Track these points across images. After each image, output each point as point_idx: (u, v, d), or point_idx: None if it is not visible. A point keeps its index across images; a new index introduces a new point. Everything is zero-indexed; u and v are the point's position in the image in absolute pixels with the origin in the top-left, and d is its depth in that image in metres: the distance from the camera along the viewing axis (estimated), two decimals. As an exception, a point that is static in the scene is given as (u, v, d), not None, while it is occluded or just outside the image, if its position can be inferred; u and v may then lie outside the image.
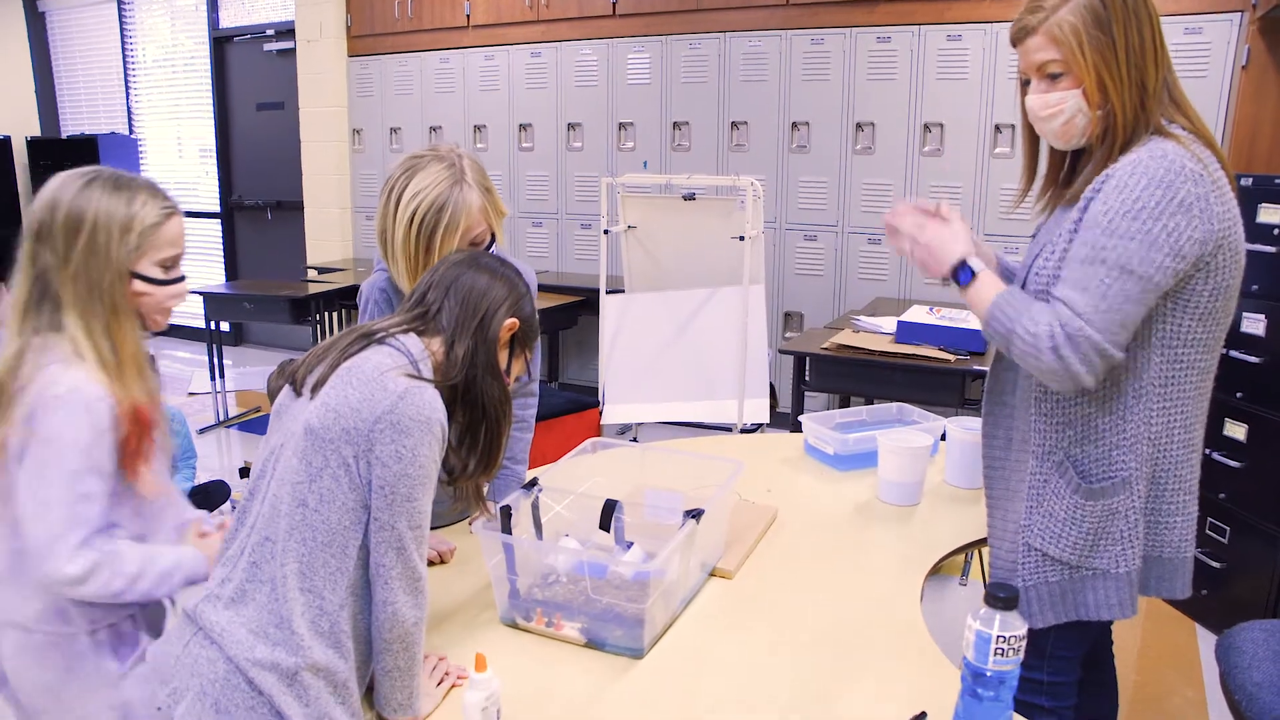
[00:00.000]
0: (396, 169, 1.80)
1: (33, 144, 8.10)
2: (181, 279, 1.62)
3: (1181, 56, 4.23)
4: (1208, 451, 3.11)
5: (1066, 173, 1.68)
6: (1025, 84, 1.60)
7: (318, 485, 1.26)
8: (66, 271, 1.50)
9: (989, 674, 1.20)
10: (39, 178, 8.01)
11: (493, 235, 1.85)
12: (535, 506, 1.73)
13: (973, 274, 1.58)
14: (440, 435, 1.30)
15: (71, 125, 8.50)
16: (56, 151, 8.05)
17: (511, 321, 1.45)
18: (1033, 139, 1.69)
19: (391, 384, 1.28)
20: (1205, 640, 3.15)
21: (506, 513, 1.61)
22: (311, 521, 1.26)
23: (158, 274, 1.57)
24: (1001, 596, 1.19)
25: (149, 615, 1.66)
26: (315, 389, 1.33)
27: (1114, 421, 1.53)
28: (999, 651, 1.19)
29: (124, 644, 1.61)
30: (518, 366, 1.51)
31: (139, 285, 1.55)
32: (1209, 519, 3.20)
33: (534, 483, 1.74)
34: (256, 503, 1.35)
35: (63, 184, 1.53)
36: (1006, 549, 1.67)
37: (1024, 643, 1.20)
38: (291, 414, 1.36)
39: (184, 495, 1.76)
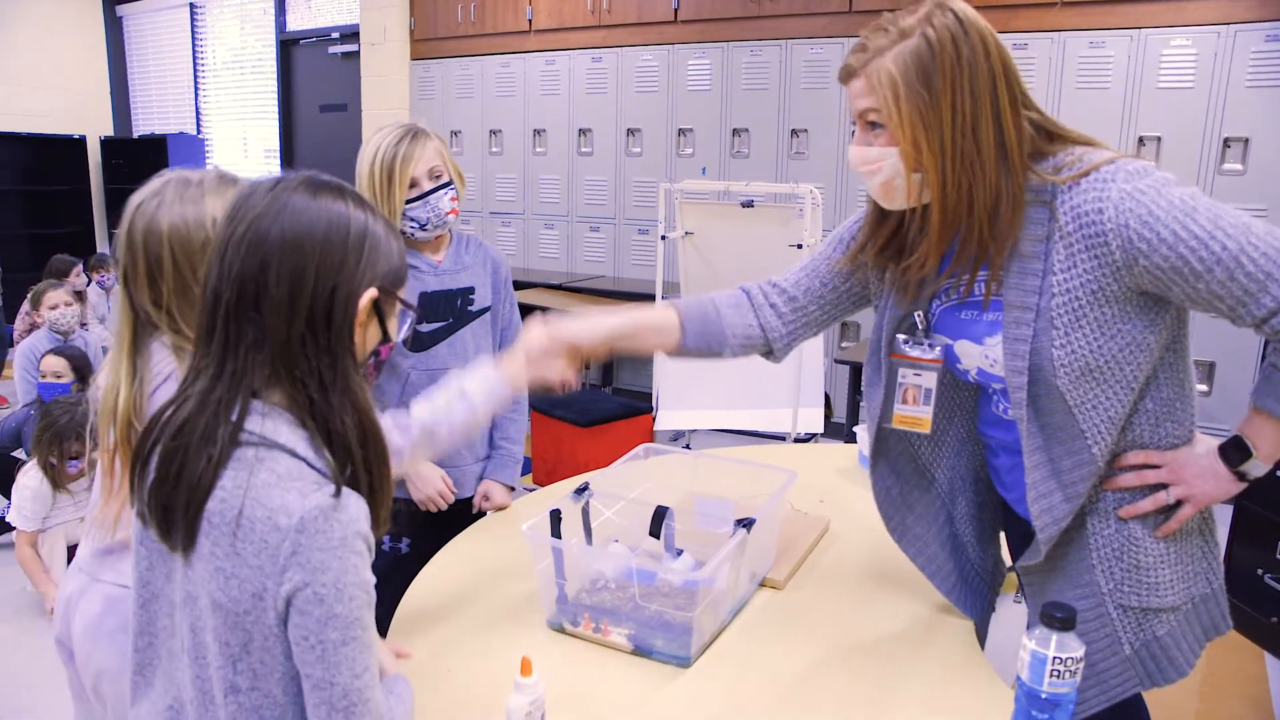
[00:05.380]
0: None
1: (106, 143, 8.33)
2: None
3: (1262, 65, 4.11)
4: (1276, 472, 3.00)
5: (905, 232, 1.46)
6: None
7: (245, 664, 1.03)
8: None
9: (1044, 696, 1.16)
10: (111, 176, 8.29)
11: (450, 181, 2.08)
12: (585, 511, 1.73)
13: (1247, 444, 1.34)
14: (365, 547, 1.03)
15: (143, 125, 8.74)
16: (128, 151, 8.28)
17: (369, 295, 1.09)
18: None
19: (283, 516, 0.99)
20: (1275, 669, 3.05)
21: (556, 516, 1.60)
22: (252, 705, 1.04)
23: None
24: (1059, 617, 1.15)
25: None
26: (186, 543, 1.04)
27: (1168, 440, 1.40)
28: (1055, 673, 1.15)
29: None
30: (392, 327, 1.17)
31: None
32: (1279, 543, 3.09)
33: (585, 487, 1.74)
34: (164, 666, 1.12)
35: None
36: (1086, 623, 1.43)
37: (1081, 664, 1.16)
38: (163, 554, 1.10)
39: None
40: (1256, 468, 1.35)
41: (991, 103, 1.30)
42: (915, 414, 1.53)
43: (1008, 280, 1.37)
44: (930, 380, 1.51)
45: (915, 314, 1.50)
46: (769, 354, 1.67)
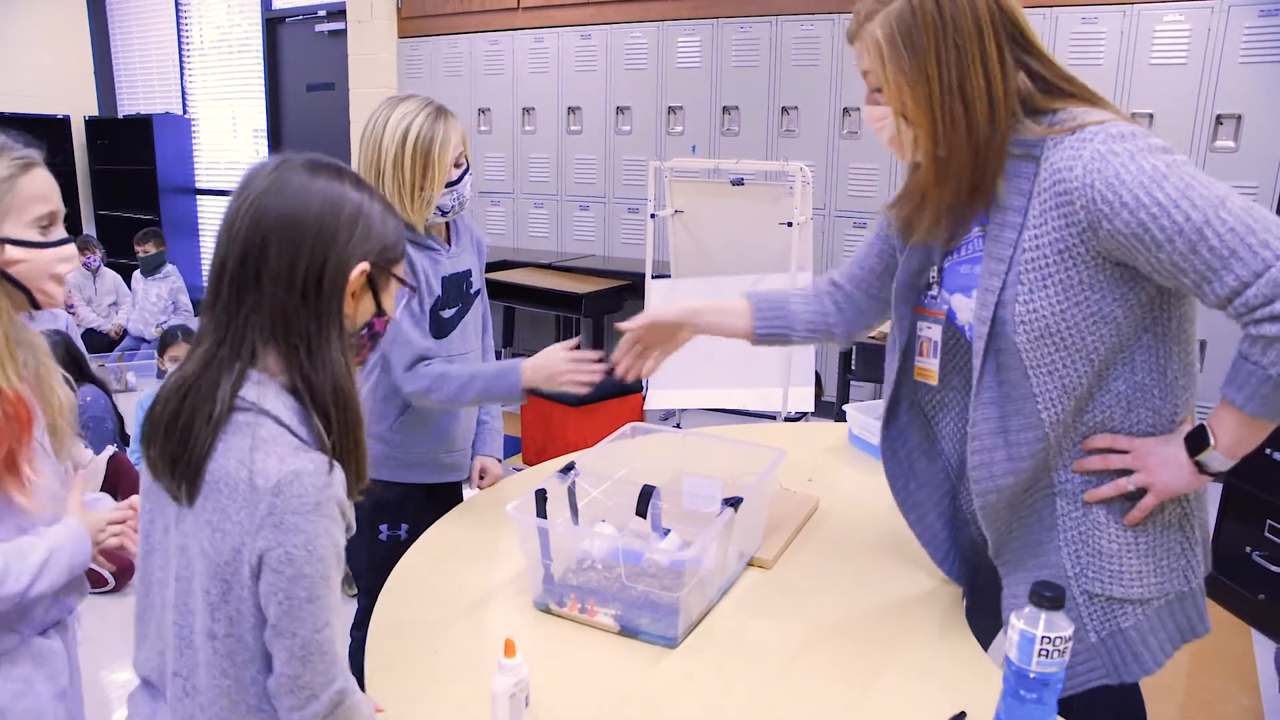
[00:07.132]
0: (376, 109, 1.93)
1: (90, 123, 8.24)
2: (66, 241, 1.39)
3: (1255, 41, 4.09)
4: (1267, 451, 3.01)
5: None
6: None
7: (223, 611, 1.11)
8: None
9: (1032, 675, 1.16)
10: (96, 156, 8.21)
11: (469, 165, 2.01)
12: (572, 491, 1.71)
13: (1207, 433, 1.29)
14: (337, 512, 1.11)
15: (128, 105, 8.63)
16: (113, 131, 8.19)
17: (360, 269, 1.16)
18: None
19: (261, 478, 1.07)
20: (1262, 646, 3.06)
21: (542, 496, 1.59)
22: (226, 650, 1.12)
23: (33, 235, 1.35)
24: (1048, 596, 1.15)
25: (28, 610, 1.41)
26: (190, 495, 1.12)
27: (1142, 427, 1.37)
28: (1043, 653, 1.15)
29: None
30: (386, 302, 1.24)
31: (12, 252, 1.33)
32: (1268, 521, 3.10)
33: (571, 466, 1.72)
34: (157, 615, 1.21)
35: None
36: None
37: (1069, 644, 1.16)
38: (163, 509, 1.19)
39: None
40: (1215, 459, 1.30)
41: (980, 54, 1.30)
42: (926, 365, 1.58)
43: (990, 232, 1.38)
44: (936, 333, 1.54)
45: (930, 269, 1.52)
46: (837, 341, 1.79)
